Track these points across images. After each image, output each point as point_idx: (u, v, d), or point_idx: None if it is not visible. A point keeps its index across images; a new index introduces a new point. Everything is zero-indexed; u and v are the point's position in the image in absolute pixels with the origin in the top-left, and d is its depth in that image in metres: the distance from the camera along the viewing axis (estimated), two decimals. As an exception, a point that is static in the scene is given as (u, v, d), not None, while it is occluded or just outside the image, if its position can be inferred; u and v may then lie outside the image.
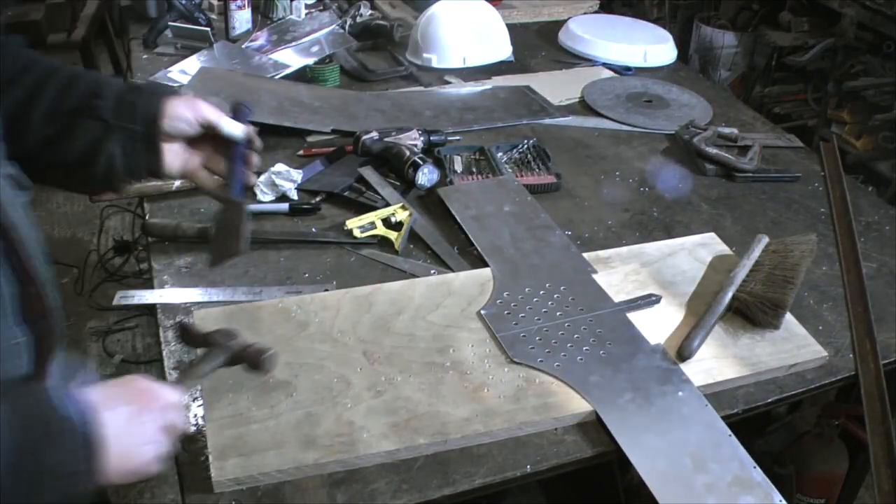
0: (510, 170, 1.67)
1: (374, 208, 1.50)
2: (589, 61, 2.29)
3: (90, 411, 0.75)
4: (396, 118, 1.86)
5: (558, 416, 1.08)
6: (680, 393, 1.12)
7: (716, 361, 1.19)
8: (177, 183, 1.52)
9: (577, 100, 2.05)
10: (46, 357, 0.88)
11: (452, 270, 1.36)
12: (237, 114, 1.06)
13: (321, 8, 2.46)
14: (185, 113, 1.01)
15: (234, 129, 1.04)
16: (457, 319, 1.23)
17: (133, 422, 0.79)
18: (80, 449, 0.73)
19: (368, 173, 1.61)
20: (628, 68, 2.25)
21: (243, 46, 2.20)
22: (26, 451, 0.69)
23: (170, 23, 2.21)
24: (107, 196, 1.56)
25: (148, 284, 1.33)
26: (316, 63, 2.07)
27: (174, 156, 1.03)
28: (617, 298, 1.29)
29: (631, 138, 1.89)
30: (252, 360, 1.01)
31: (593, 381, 1.12)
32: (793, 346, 1.22)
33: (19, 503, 0.69)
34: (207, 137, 1.05)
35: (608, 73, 2.22)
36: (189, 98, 1.04)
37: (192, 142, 1.05)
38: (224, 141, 1.05)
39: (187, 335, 1.08)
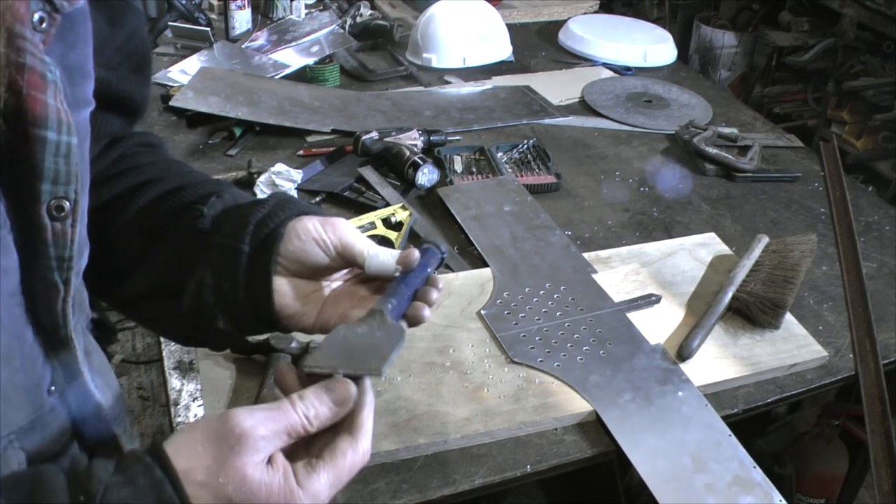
0: (510, 170, 1.67)
1: (374, 208, 1.50)
2: (589, 61, 2.29)
3: None
4: (396, 118, 1.86)
5: (558, 416, 1.07)
6: (680, 393, 1.12)
7: (716, 361, 1.18)
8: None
9: (577, 100, 2.05)
10: None
11: (452, 270, 1.36)
12: (424, 256, 0.72)
13: (321, 8, 2.46)
14: (321, 233, 0.70)
15: (388, 262, 0.71)
16: (457, 319, 1.23)
17: None
18: None
19: (368, 173, 1.61)
20: (628, 68, 2.25)
21: (243, 46, 2.20)
22: None
23: (170, 23, 2.21)
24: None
25: (148, 284, 1.32)
26: (316, 63, 2.07)
27: (299, 300, 0.72)
28: (617, 298, 1.29)
29: (631, 138, 1.89)
30: None
31: (593, 381, 1.12)
32: (793, 346, 1.22)
33: None
34: (358, 279, 0.75)
35: (608, 73, 2.22)
36: (328, 218, 0.72)
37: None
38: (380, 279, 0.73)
39: (240, 344, 1.11)
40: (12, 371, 0.58)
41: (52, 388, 0.63)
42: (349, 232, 0.71)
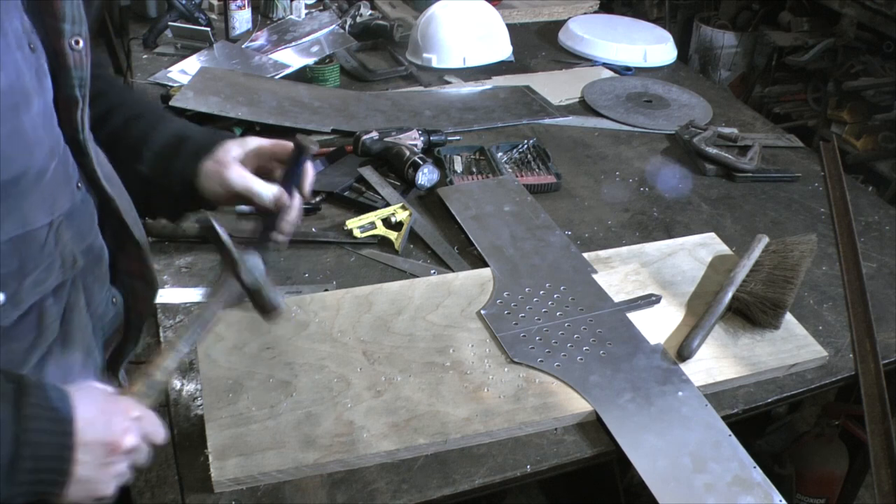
0: (510, 170, 1.67)
1: (374, 208, 1.50)
2: (589, 61, 2.29)
3: (69, 436, 0.71)
4: (396, 118, 1.86)
5: (558, 416, 1.08)
6: (680, 393, 1.12)
7: (716, 361, 1.18)
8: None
9: (577, 100, 2.05)
10: (141, 317, 0.97)
11: (452, 270, 1.36)
12: (298, 155, 0.95)
13: (321, 8, 2.46)
14: (213, 185, 0.96)
15: (267, 193, 0.95)
16: (457, 319, 1.23)
17: (105, 460, 0.74)
18: (48, 472, 0.71)
19: (368, 173, 1.61)
20: (628, 68, 2.25)
21: (243, 46, 2.20)
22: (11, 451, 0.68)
23: (170, 23, 2.21)
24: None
25: (148, 284, 1.33)
26: (316, 63, 2.07)
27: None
28: (617, 298, 1.29)
29: (631, 138, 1.89)
30: (268, 305, 0.95)
31: (593, 381, 1.12)
32: (793, 346, 1.22)
33: None
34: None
35: (608, 73, 2.22)
36: (221, 162, 0.96)
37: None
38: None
39: (209, 232, 0.96)
40: (58, 164, 0.78)
41: (79, 184, 0.83)
42: (236, 178, 0.95)
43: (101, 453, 0.73)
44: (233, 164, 0.96)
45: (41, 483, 0.70)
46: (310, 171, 0.97)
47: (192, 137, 0.99)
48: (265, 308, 0.95)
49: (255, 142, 0.99)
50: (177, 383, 1.12)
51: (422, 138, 1.70)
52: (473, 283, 1.32)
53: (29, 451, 0.68)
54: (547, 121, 1.93)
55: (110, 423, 0.75)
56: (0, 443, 0.67)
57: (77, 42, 0.78)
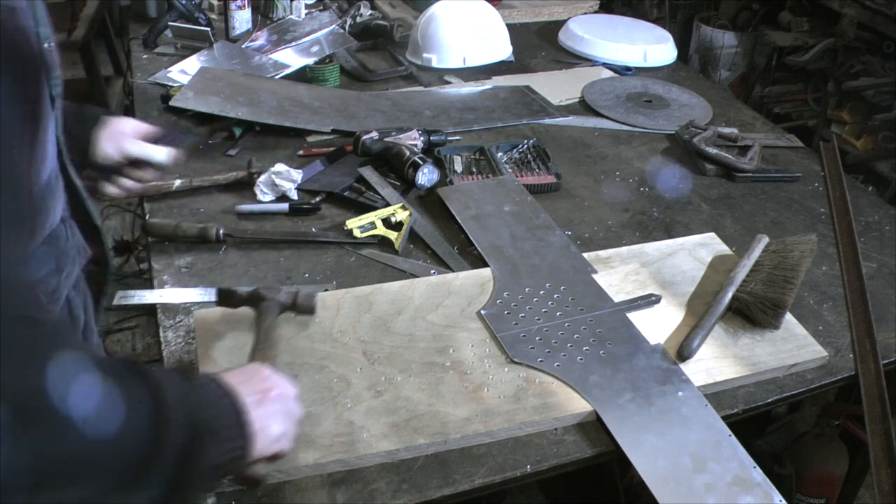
0: (510, 170, 1.67)
1: (374, 208, 1.50)
2: (589, 61, 2.29)
3: (234, 394, 0.78)
4: (396, 118, 1.86)
5: (558, 416, 1.07)
6: (680, 393, 1.12)
7: (716, 361, 1.18)
8: (177, 183, 1.53)
9: (577, 100, 2.05)
10: (98, 299, 1.04)
11: (452, 270, 1.36)
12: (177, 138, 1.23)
13: (321, 8, 2.46)
14: (108, 151, 1.14)
15: (162, 156, 1.19)
16: (457, 319, 1.23)
17: (262, 405, 0.81)
18: (235, 427, 0.76)
19: (368, 173, 1.61)
20: (628, 68, 2.25)
21: (243, 46, 2.20)
22: (192, 432, 0.71)
23: (170, 23, 2.21)
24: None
25: (148, 284, 1.33)
26: (316, 63, 2.07)
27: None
28: (617, 298, 1.29)
29: (631, 138, 1.89)
30: (305, 306, 1.15)
31: (593, 381, 1.12)
32: (793, 346, 1.22)
33: (182, 486, 0.70)
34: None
35: (608, 73, 2.22)
36: (119, 132, 1.15)
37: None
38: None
39: (229, 298, 1.15)
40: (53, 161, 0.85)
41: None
42: (130, 145, 1.16)
43: (257, 400, 0.80)
44: (129, 135, 1.16)
45: (232, 439, 0.75)
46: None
47: (90, 110, 1.15)
48: (304, 310, 1.16)
49: (142, 124, 1.20)
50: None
51: (422, 138, 1.70)
52: (473, 283, 1.31)
53: (211, 412, 0.74)
54: (547, 121, 1.93)
55: (251, 380, 0.83)
56: (202, 412, 0.72)
57: (49, 44, 0.83)
